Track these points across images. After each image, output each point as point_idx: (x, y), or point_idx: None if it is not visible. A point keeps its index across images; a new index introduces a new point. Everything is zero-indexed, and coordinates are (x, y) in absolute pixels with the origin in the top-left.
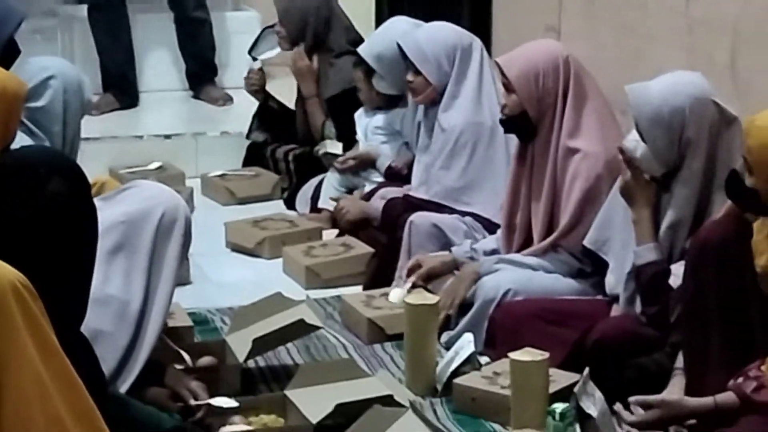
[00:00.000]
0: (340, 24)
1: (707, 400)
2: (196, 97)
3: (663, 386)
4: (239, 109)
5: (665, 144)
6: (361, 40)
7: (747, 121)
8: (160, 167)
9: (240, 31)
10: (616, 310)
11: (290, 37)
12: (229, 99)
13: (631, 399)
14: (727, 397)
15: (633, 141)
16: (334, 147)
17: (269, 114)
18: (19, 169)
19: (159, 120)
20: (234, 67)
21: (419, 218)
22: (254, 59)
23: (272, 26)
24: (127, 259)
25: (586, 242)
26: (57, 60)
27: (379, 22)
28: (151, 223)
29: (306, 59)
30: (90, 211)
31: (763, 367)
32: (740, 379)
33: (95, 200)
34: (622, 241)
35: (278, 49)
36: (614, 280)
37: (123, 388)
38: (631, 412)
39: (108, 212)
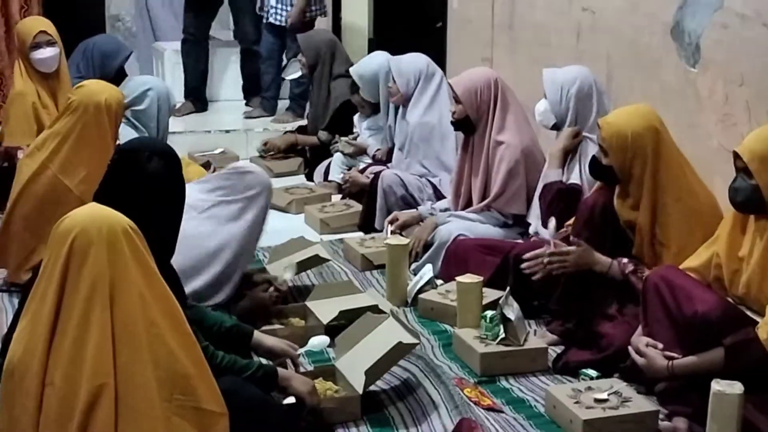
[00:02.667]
0: (340, 57)
1: (605, 260)
2: (247, 104)
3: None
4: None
5: (556, 98)
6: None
7: (601, 120)
8: (222, 152)
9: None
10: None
11: (308, 64)
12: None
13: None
14: (615, 269)
15: (542, 103)
16: (346, 147)
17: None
18: (130, 152)
19: (222, 120)
20: None
21: (387, 172)
22: (283, 79)
23: (296, 56)
24: (242, 223)
25: (516, 209)
26: (153, 77)
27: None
28: (257, 199)
29: (275, 140)
30: (180, 182)
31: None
32: (624, 260)
33: (225, 174)
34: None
35: (300, 72)
36: (534, 226)
37: (219, 299)
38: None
39: (228, 198)
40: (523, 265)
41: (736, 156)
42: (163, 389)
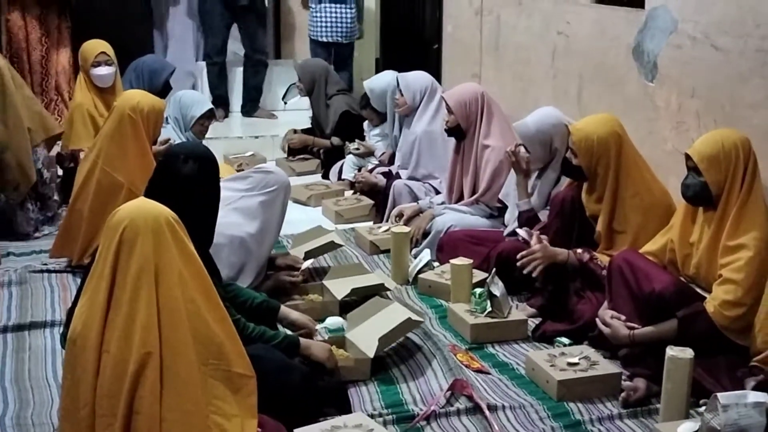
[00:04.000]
0: (333, 80)
1: (563, 252)
2: (246, 115)
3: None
4: (282, 121)
5: (541, 153)
6: (344, 89)
7: (572, 126)
8: (252, 154)
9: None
10: (508, 238)
11: (306, 89)
12: (274, 116)
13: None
14: (573, 258)
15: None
16: (359, 148)
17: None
18: (170, 156)
19: (250, 127)
20: (275, 96)
21: (398, 182)
22: (285, 103)
23: (294, 83)
24: (264, 214)
25: (500, 196)
26: (187, 91)
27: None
28: (277, 194)
29: (294, 138)
30: (213, 182)
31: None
32: (580, 251)
33: (250, 173)
34: (514, 197)
35: (299, 96)
36: (509, 218)
37: (246, 281)
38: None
39: (252, 193)
40: (526, 270)
41: (688, 157)
42: (200, 355)
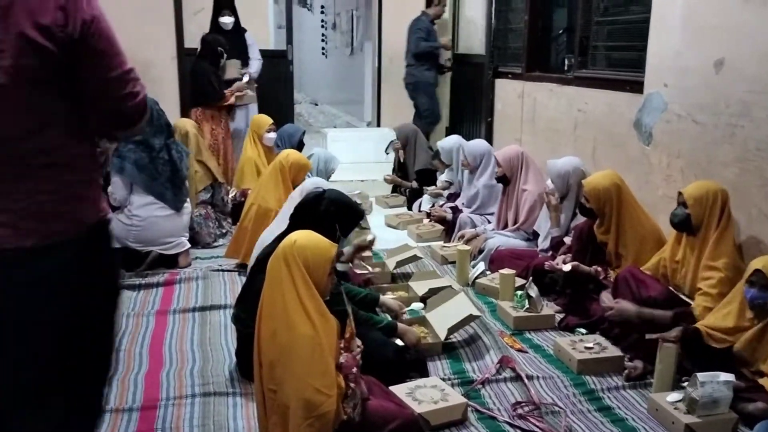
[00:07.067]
0: (420, 140)
1: (590, 270)
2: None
3: (558, 284)
4: (388, 169)
5: (560, 184)
6: (428, 146)
7: (584, 180)
8: (359, 192)
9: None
10: (541, 255)
11: (401, 145)
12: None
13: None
14: (593, 273)
15: (549, 184)
16: (433, 191)
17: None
18: (316, 196)
19: (358, 174)
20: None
21: (462, 215)
22: (387, 154)
23: (393, 140)
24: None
25: (534, 227)
26: (321, 149)
27: (446, 136)
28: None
29: (389, 177)
30: (343, 217)
31: (610, 270)
32: (599, 269)
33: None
34: (545, 228)
35: (397, 148)
36: (540, 242)
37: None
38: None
39: None
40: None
41: (680, 194)
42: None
